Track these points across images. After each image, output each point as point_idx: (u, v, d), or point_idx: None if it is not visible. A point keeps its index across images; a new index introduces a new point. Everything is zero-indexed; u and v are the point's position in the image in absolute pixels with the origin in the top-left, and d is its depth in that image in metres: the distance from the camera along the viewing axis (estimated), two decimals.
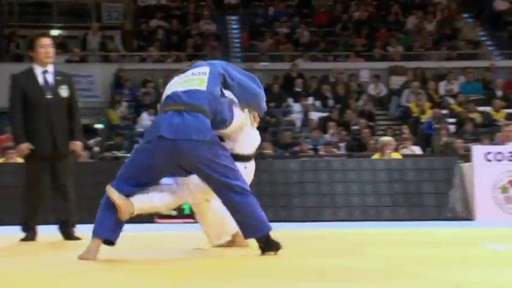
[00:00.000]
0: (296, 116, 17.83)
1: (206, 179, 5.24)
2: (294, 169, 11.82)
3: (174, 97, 5.28)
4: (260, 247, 5.21)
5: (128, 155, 14.66)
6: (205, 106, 5.21)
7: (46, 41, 7.24)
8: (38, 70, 7.23)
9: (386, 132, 15.68)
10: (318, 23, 22.71)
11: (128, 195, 5.16)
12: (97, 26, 21.93)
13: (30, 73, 7.23)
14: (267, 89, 19.27)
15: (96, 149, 16.26)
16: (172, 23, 22.27)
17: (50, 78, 7.24)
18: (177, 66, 20.44)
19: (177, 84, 5.39)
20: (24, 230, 7.27)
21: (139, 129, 17.44)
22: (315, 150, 15.48)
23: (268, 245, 5.18)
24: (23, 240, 7.13)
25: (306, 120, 17.51)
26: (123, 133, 16.67)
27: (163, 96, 5.41)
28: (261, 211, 5.21)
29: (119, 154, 14.69)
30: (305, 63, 20.58)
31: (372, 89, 19.56)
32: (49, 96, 7.17)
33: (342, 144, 15.88)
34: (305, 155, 14.50)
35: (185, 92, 5.27)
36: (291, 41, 22.00)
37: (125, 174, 5.26)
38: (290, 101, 18.67)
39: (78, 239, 7.05)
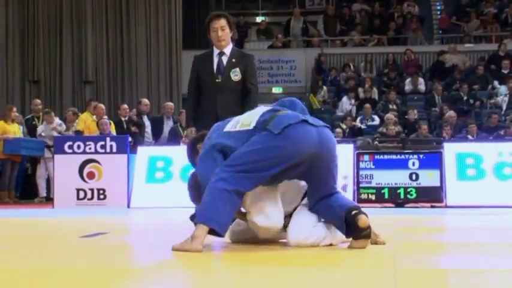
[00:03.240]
0: (502, 99, 17.16)
1: (318, 179, 4.61)
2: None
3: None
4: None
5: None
6: None
7: (216, 24, 6.64)
8: (214, 52, 6.74)
9: None
10: None
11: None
12: (300, 11, 22.26)
13: (208, 56, 6.78)
14: (472, 71, 18.82)
15: None
16: (374, 6, 22.15)
17: (225, 60, 6.71)
18: (378, 50, 20.58)
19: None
20: None
21: (339, 113, 17.57)
22: None
23: None
24: None
25: None
26: (324, 117, 16.82)
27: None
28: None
29: None
30: None
31: None
32: (218, 80, 6.66)
33: None
34: (511, 139, 13.95)
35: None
36: (498, 21, 21.20)
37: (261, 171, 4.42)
38: (495, 83, 17.99)
39: None
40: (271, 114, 4.57)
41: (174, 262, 4.17)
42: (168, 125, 14.60)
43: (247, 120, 4.68)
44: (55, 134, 13.84)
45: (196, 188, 4.71)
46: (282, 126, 4.42)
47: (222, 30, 6.58)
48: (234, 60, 6.66)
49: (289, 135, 4.42)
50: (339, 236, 4.71)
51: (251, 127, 4.57)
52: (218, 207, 4.34)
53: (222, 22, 6.60)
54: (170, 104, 15.28)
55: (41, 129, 14.33)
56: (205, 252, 4.52)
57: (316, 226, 4.67)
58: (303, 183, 4.78)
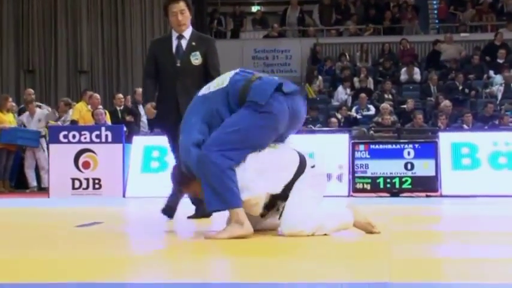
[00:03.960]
0: (497, 88, 17.17)
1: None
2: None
3: None
4: None
5: (324, 128, 14.93)
6: None
7: (175, 8, 6.38)
8: (173, 36, 6.49)
9: None
10: None
11: None
12: (296, 1, 22.19)
13: (167, 39, 6.56)
14: (467, 61, 18.81)
15: None
16: None
17: (184, 44, 6.45)
18: (374, 39, 20.55)
19: None
20: None
21: (334, 103, 17.56)
22: None
23: None
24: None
25: (507, 92, 16.82)
26: (319, 107, 16.83)
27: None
28: None
29: (314, 128, 14.87)
30: (509, 33, 19.69)
31: None
32: (178, 64, 6.40)
33: None
34: (506, 128, 13.96)
35: None
36: (494, 10, 21.19)
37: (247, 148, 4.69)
38: (491, 72, 18.00)
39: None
40: (246, 80, 4.72)
41: (170, 250, 4.17)
42: None
43: (219, 81, 4.83)
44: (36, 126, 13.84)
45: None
46: (266, 97, 4.61)
47: (182, 14, 6.35)
48: (193, 43, 6.41)
49: (272, 110, 4.60)
50: (332, 226, 4.71)
51: (225, 85, 4.73)
52: (229, 186, 4.52)
53: (181, 5, 6.35)
54: None
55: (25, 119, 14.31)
56: (201, 241, 4.53)
57: (310, 216, 4.62)
58: (286, 159, 4.74)
